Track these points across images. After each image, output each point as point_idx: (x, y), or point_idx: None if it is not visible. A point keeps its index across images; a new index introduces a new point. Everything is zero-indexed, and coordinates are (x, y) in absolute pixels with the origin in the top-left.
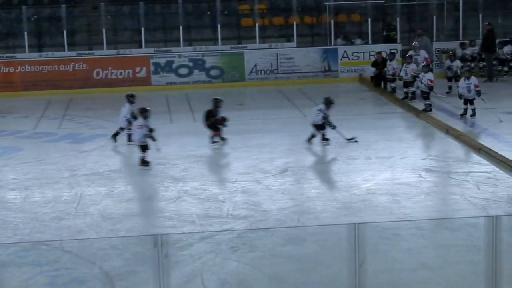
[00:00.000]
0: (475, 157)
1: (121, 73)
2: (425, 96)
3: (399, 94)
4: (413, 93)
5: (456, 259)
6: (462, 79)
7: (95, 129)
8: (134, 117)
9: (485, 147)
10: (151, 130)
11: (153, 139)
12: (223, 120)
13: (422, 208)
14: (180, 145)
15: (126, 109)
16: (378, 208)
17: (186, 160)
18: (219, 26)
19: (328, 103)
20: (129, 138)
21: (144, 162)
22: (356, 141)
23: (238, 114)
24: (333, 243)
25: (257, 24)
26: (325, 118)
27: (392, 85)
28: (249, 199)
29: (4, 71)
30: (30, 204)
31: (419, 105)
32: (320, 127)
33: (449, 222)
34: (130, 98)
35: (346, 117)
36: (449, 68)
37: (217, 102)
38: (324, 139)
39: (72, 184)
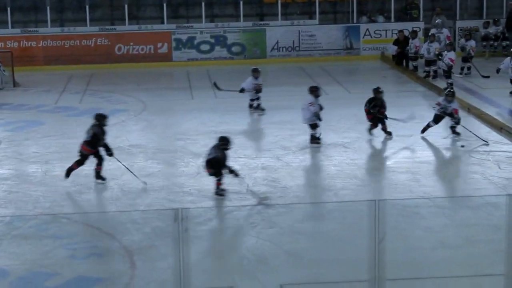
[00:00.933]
0: (497, 136)
1: (142, 49)
2: (447, 75)
3: (421, 73)
4: (435, 71)
5: (476, 237)
6: (508, 58)
7: (116, 104)
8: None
9: (507, 126)
10: (321, 108)
11: (319, 119)
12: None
13: (442, 186)
14: (201, 121)
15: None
16: (398, 186)
17: (206, 136)
18: (241, 2)
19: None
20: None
21: (315, 139)
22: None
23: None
24: (352, 220)
25: (279, 1)
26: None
27: (414, 63)
28: (269, 176)
29: (27, 45)
30: (51, 178)
31: (441, 83)
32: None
33: (469, 201)
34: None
35: (368, 95)
36: (462, 48)
37: (378, 93)
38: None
39: (92, 158)
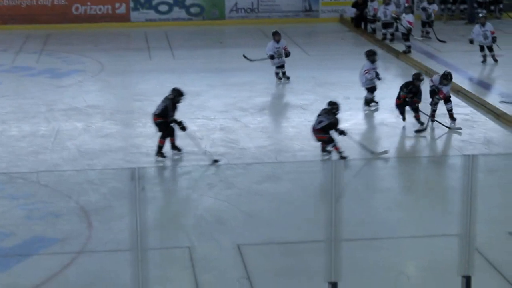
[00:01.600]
0: (454, 99)
1: (100, 9)
2: (405, 37)
3: (379, 35)
4: (392, 34)
5: (431, 198)
6: (477, 25)
7: (73, 64)
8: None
9: (464, 89)
10: (377, 75)
11: (378, 78)
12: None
13: (399, 148)
14: (159, 82)
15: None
16: (356, 148)
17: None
18: None
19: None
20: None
21: (371, 101)
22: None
23: (217, 52)
24: (309, 182)
25: None
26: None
27: (373, 26)
28: (227, 137)
29: None
30: (7, 138)
31: (399, 46)
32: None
33: (425, 162)
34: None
35: (327, 57)
36: (424, 9)
37: (418, 80)
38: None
39: (49, 119)
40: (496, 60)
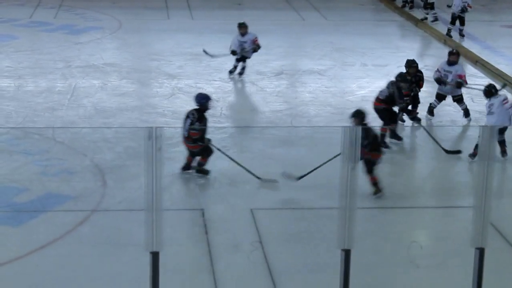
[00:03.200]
0: (472, 69)
1: None
2: (429, 6)
3: (399, 2)
4: (412, 1)
5: (448, 169)
6: None
7: (91, 21)
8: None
9: (482, 59)
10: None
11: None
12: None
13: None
14: (176, 42)
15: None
16: (372, 115)
17: (182, 58)
18: None
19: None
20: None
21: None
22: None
23: (235, 14)
24: (324, 147)
25: None
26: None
27: None
28: (242, 100)
29: None
30: (24, 93)
31: (419, 14)
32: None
33: (442, 132)
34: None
35: (345, 23)
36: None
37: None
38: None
39: (66, 75)
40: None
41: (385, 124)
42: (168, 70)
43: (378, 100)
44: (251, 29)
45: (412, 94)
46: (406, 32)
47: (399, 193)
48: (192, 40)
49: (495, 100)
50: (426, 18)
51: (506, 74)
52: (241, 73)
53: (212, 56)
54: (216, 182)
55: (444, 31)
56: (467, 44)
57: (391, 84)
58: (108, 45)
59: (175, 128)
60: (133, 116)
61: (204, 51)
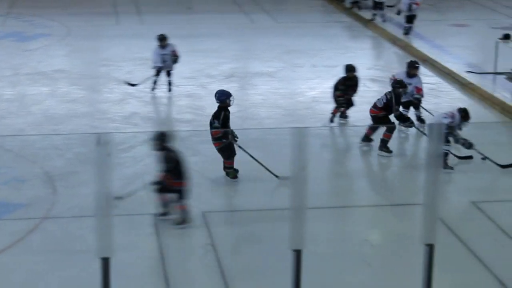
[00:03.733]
0: (420, 68)
1: None
2: (380, 6)
3: (348, 3)
4: (357, 2)
5: (396, 167)
6: None
7: (39, 28)
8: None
9: (431, 58)
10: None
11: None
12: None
13: (365, 116)
14: (126, 47)
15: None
16: (322, 116)
17: (132, 63)
18: None
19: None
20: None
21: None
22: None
23: (185, 18)
24: (275, 149)
25: None
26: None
27: None
28: (193, 103)
29: None
30: None
31: (367, 14)
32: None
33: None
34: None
35: (295, 25)
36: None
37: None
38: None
39: (14, 83)
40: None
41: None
42: (118, 76)
43: (376, 108)
44: (202, 32)
45: (346, 97)
46: (355, 33)
47: (350, 192)
48: (142, 45)
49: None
50: (374, 19)
51: (454, 73)
52: (169, 89)
53: (135, 85)
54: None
55: (392, 31)
56: (415, 43)
57: (390, 91)
58: (57, 51)
59: (125, 133)
60: (83, 122)
61: (126, 82)
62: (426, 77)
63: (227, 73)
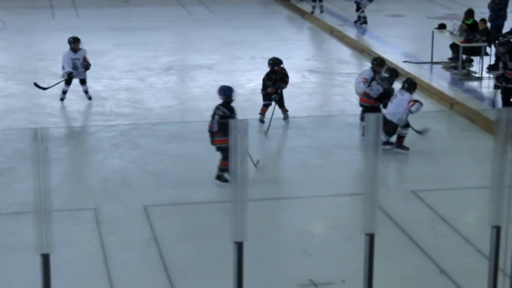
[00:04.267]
0: (358, 58)
1: None
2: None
3: None
4: None
5: (337, 158)
6: None
7: None
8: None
9: (368, 49)
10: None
11: None
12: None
13: (305, 108)
14: (62, 41)
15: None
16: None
17: None
18: None
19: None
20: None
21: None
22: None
23: (122, 11)
24: None
25: None
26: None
27: None
28: (132, 97)
29: None
30: None
31: (306, 6)
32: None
33: (330, 122)
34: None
35: (232, 17)
36: None
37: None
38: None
39: None
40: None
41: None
42: (55, 70)
43: (370, 98)
44: (138, 25)
45: (279, 91)
46: (293, 24)
47: (290, 183)
48: None
49: (402, 96)
50: (313, 12)
51: (392, 63)
52: (90, 98)
53: (45, 88)
54: (107, 181)
55: (329, 22)
56: (352, 33)
57: (384, 80)
58: None
59: (64, 128)
60: (21, 117)
61: (35, 84)
62: (364, 67)
63: (165, 66)
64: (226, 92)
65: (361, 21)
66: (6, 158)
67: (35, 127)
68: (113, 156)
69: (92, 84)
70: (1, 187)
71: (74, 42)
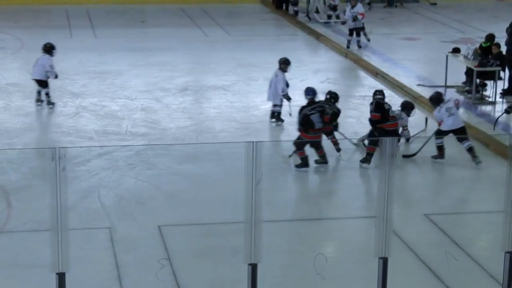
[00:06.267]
0: (372, 81)
1: None
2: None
3: (301, 17)
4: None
5: (350, 181)
6: (348, 7)
7: None
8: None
9: (382, 71)
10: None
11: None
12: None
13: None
14: (80, 61)
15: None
16: (276, 129)
17: (86, 76)
18: None
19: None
20: None
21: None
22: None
23: (139, 32)
24: (230, 162)
25: None
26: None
27: (295, 8)
28: (148, 117)
29: None
30: None
31: (318, 27)
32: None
33: (342, 144)
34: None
35: (248, 38)
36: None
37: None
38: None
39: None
40: (360, 47)
41: None
42: (72, 89)
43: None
44: (154, 45)
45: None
46: (308, 46)
47: (304, 205)
48: (95, 58)
49: (449, 103)
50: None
51: (405, 86)
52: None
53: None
54: (122, 200)
55: (344, 44)
56: (367, 56)
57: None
58: (10, 65)
59: (80, 147)
60: (37, 136)
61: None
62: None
63: (181, 87)
64: (315, 92)
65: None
66: (22, 176)
67: (51, 146)
68: (128, 175)
69: (108, 104)
70: (17, 204)
71: (48, 49)
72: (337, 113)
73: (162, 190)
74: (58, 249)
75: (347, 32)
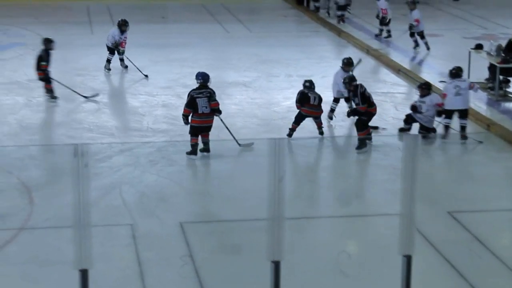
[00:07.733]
0: (394, 77)
1: None
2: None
3: (322, 13)
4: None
5: (372, 177)
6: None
7: (13, 37)
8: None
9: (404, 68)
10: None
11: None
12: None
13: (341, 126)
14: (101, 57)
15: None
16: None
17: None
18: None
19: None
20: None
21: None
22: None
23: (160, 28)
24: (252, 159)
25: None
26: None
27: (316, 4)
28: (169, 113)
29: None
30: None
31: (345, 26)
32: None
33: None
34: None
35: (269, 35)
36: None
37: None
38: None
39: None
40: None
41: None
42: (93, 85)
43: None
44: (176, 41)
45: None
46: (329, 43)
47: (327, 202)
48: (116, 54)
49: (461, 83)
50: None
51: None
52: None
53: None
54: (144, 196)
55: (366, 40)
56: (389, 53)
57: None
58: (31, 61)
59: (102, 143)
60: (59, 132)
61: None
62: (400, 87)
63: None
64: (205, 77)
65: (385, 35)
66: (44, 172)
67: (73, 142)
68: (149, 172)
69: (129, 100)
70: (38, 201)
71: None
72: (321, 98)
73: (183, 187)
74: (80, 246)
75: (377, 27)
